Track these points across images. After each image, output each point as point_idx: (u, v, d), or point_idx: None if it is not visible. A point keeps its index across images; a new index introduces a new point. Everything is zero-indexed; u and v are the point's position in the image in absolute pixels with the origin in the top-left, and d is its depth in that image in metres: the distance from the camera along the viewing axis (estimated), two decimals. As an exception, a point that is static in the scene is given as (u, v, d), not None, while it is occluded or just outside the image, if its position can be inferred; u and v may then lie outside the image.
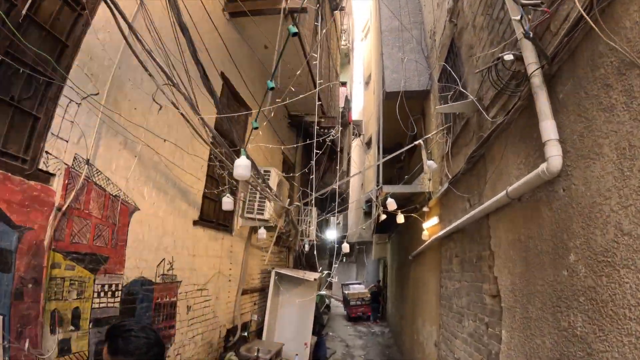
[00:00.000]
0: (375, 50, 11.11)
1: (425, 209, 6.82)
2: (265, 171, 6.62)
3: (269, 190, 6.02)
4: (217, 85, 5.96)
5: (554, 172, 2.39)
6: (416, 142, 5.21)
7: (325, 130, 9.33)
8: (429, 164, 5.45)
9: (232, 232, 6.50)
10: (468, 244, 4.63)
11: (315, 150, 9.57)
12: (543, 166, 2.47)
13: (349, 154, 14.44)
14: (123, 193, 3.88)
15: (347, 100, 13.82)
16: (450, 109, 4.24)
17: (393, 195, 6.69)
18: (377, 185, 7.23)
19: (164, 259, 4.58)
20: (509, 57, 2.82)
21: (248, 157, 3.73)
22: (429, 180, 6.76)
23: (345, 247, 6.44)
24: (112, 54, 3.54)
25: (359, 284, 19.49)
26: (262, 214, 6.42)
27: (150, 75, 3.23)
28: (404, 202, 7.20)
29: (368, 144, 15.91)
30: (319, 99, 8.98)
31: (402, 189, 6.86)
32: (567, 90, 2.46)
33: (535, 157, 2.84)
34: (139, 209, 4.12)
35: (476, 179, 4.40)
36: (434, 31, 6.78)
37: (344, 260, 23.17)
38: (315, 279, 7.48)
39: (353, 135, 15.17)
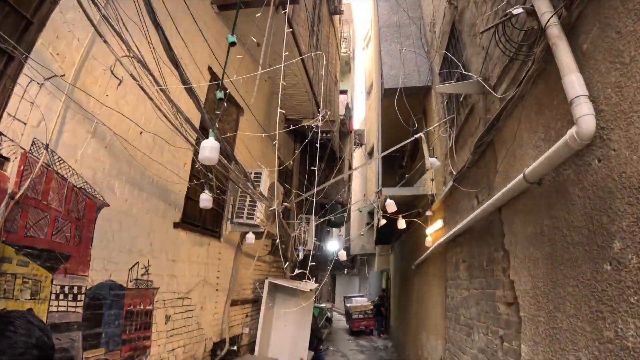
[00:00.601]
0: (375, 55, 10.76)
1: (428, 213, 6.26)
2: (256, 173, 6.12)
3: (258, 193, 5.50)
4: (205, 79, 5.52)
5: (586, 135, 1.87)
6: (417, 135, 4.70)
7: (324, 135, 8.85)
8: (432, 162, 4.93)
9: (221, 238, 5.96)
10: (477, 246, 4.07)
11: (309, 150, 9.11)
12: (571, 131, 1.94)
13: (350, 162, 13.97)
14: (89, 186, 3.42)
15: (348, 109, 13.41)
16: (454, 89, 3.74)
17: (393, 199, 6.16)
18: (377, 189, 6.69)
19: (137, 263, 4.07)
20: (518, 10, 2.34)
21: (218, 138, 3.36)
22: (432, 180, 6.23)
23: (343, 255, 5.89)
24: (81, 34, 3.15)
25: (362, 296, 18.81)
26: (252, 218, 5.89)
27: (105, 41, 2.77)
28: (406, 206, 6.67)
29: (370, 154, 15.48)
30: (317, 103, 8.55)
31: (403, 192, 6.32)
32: (593, 37, 1.96)
33: (558, 127, 2.32)
34: (108, 205, 3.63)
35: (484, 171, 3.87)
36: (433, 23, 6.35)
37: (345, 272, 22.46)
38: (311, 290, 6.89)
39: (355, 145, 14.70)
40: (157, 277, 4.39)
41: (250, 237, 5.33)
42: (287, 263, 8.07)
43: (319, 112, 8.49)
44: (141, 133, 4.12)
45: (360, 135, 15.73)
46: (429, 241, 6.31)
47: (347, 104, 12.74)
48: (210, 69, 5.62)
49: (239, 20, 4.24)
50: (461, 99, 4.43)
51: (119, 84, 3.66)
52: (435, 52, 5.92)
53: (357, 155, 17.04)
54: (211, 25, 5.75)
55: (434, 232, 6.16)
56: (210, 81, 5.72)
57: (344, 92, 13.67)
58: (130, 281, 3.94)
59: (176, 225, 4.80)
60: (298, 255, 6.44)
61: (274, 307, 7.45)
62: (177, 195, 4.84)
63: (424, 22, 7.04)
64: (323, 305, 12.35)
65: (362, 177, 17.34)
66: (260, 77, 7.48)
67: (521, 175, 2.55)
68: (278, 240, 6.38)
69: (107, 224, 3.61)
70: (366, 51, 16.85)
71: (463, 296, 4.47)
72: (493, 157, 3.58)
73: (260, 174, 6.13)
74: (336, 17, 11.33)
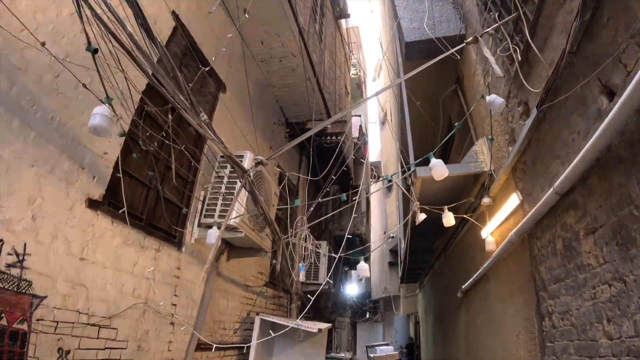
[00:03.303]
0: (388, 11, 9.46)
1: (485, 200, 4.31)
2: (237, 156, 4.40)
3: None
4: (165, 27, 4.09)
5: None
6: (468, 40, 2.97)
7: (333, 138, 7.19)
8: (491, 100, 3.15)
9: (182, 247, 4.08)
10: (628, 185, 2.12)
11: (314, 161, 7.37)
12: None
13: (367, 194, 12.15)
14: None
15: (363, 133, 11.90)
16: None
17: (432, 185, 4.29)
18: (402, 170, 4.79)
19: (2, 242, 2.30)
20: None
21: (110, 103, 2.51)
22: (488, 149, 4.33)
23: (365, 270, 3.92)
24: None
25: (387, 344, 16.68)
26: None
27: None
28: (448, 198, 4.70)
29: (389, 188, 13.79)
30: (323, 98, 7.03)
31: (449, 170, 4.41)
32: None
33: None
34: None
35: (610, 36, 2.09)
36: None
37: (367, 315, 19.63)
38: (320, 330, 4.75)
39: (372, 178, 13.01)
40: (43, 278, 2.58)
41: (213, 232, 3.42)
42: (291, 295, 6.00)
43: (326, 108, 6.95)
44: (43, 44, 2.57)
45: (377, 168, 14.21)
46: (491, 243, 4.27)
47: (360, 127, 11.30)
48: (175, 15, 4.20)
49: None
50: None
51: None
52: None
53: (375, 189, 15.38)
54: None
55: (499, 226, 4.16)
56: (174, 30, 4.27)
57: (357, 116, 12.33)
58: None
59: (93, 204, 3.03)
60: (299, 275, 4.44)
61: (273, 355, 5.26)
62: (98, 159, 3.13)
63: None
64: (342, 355, 9.87)
65: (380, 211, 15.51)
66: (250, 58, 6.07)
67: None
68: (276, 262, 4.46)
69: None
70: (377, 82, 15.92)
71: (599, 299, 2.39)
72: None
73: (242, 156, 4.41)
74: (345, 30, 10.29)
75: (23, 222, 2.49)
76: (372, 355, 15.16)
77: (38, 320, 2.51)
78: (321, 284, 6.79)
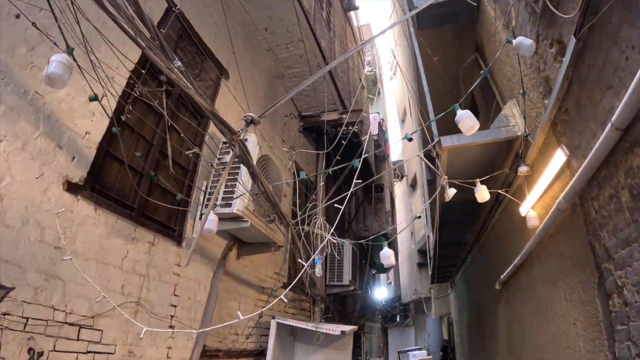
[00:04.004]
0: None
1: (522, 169, 3.76)
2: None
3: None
4: (157, 7, 3.85)
5: None
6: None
7: (350, 128, 6.75)
8: (518, 43, 2.69)
9: (182, 242, 3.71)
10: None
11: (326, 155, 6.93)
12: None
13: (392, 194, 11.63)
14: None
15: (382, 130, 11.44)
16: None
17: (460, 155, 3.81)
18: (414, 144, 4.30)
19: None
20: None
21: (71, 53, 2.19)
22: (519, 112, 3.79)
23: (388, 256, 3.43)
24: None
25: (419, 349, 15.92)
26: (230, 205, 3.67)
27: None
28: (479, 169, 4.15)
29: (413, 185, 13.23)
30: (335, 85, 6.66)
31: (475, 139, 3.88)
32: None
33: None
34: None
35: None
36: None
37: (398, 319, 18.75)
38: (344, 332, 4.24)
39: (395, 178, 12.50)
40: (10, 266, 2.27)
41: (213, 219, 3.00)
42: (308, 295, 5.50)
43: (340, 98, 6.57)
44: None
45: (400, 167, 13.66)
46: (533, 218, 3.70)
47: (379, 123, 10.84)
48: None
49: None
50: None
51: None
52: None
53: (399, 189, 14.82)
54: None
55: (541, 196, 3.61)
56: (165, 16, 4.00)
57: (375, 113, 11.91)
58: None
59: (72, 188, 2.71)
60: (315, 271, 3.97)
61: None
62: (78, 138, 2.83)
63: None
64: None
65: (406, 210, 14.89)
66: (257, 45, 5.78)
67: None
68: (285, 251, 4.03)
69: None
70: (394, 80, 15.49)
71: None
72: None
73: (246, 138, 4.04)
74: (355, 23, 9.96)
75: (-15, 202, 2.20)
76: None
77: (4, 314, 2.17)
78: (346, 285, 6.29)
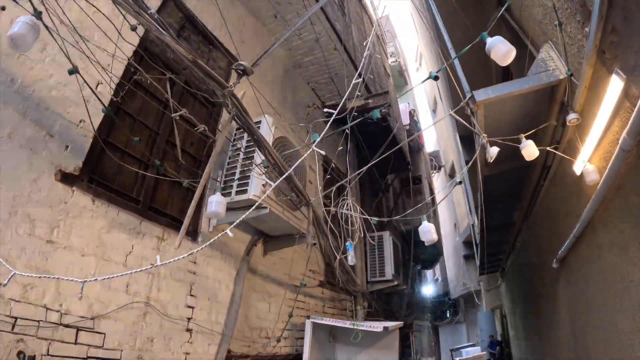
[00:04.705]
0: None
1: (571, 117, 3.18)
2: (256, 123, 3.78)
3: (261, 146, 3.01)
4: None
5: None
6: None
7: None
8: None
9: (198, 237, 3.43)
10: None
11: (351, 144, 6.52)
12: None
13: (430, 186, 11.04)
14: None
15: (414, 120, 10.93)
16: None
17: (498, 108, 3.32)
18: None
19: None
20: None
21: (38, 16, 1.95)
22: (557, 54, 3.23)
23: (428, 230, 3.00)
24: None
25: (473, 345, 15.35)
26: (245, 191, 3.37)
27: None
28: (521, 125, 3.58)
29: (452, 175, 12.61)
30: (355, 68, 6.28)
31: (512, 88, 3.34)
32: None
33: None
34: None
35: None
36: None
37: (447, 315, 17.82)
38: (387, 329, 3.77)
39: (433, 169, 11.93)
40: None
41: (219, 201, 2.63)
42: (345, 292, 5.05)
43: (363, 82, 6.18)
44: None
45: (436, 157, 13.01)
46: (592, 172, 3.11)
47: (410, 113, 10.33)
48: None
49: None
50: None
51: None
52: None
53: (438, 181, 14.17)
54: None
55: (598, 145, 3.03)
56: (163, 5, 3.83)
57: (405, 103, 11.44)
58: None
59: (66, 178, 2.50)
60: (347, 259, 3.56)
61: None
62: (72, 127, 2.64)
63: None
64: None
65: (447, 201, 14.17)
66: (269, 34, 5.53)
67: None
68: (313, 240, 3.65)
69: None
70: (421, 71, 14.90)
71: None
72: None
73: (259, 122, 3.76)
74: (372, 11, 9.59)
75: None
76: (457, 359, 14.30)
77: None
78: (389, 280, 5.82)
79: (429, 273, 17.93)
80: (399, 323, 4.24)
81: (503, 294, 12.95)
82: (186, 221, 2.30)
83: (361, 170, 3.50)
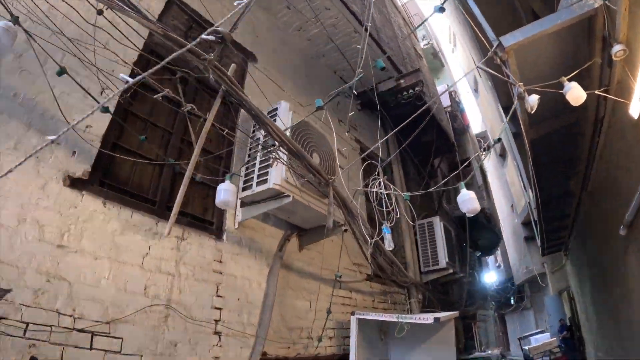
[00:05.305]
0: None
1: (616, 49, 2.69)
2: (273, 110, 3.67)
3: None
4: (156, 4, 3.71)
5: None
6: None
7: (411, 91, 5.98)
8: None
9: (223, 234, 3.32)
10: None
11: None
12: None
13: (480, 166, 10.38)
14: None
15: (455, 101, 10.40)
16: None
17: (530, 54, 2.91)
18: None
19: None
20: None
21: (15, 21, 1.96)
22: None
23: (468, 199, 2.67)
24: None
25: (542, 332, 14.45)
26: (265, 181, 3.22)
27: None
28: (560, 69, 3.09)
29: (502, 155, 11.78)
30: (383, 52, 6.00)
31: (542, 26, 2.88)
32: None
33: None
34: None
35: None
36: None
37: (512, 301, 16.63)
38: (438, 320, 3.39)
39: (483, 151, 11.25)
40: (6, 267, 2.11)
41: (227, 189, 2.45)
42: (394, 283, 4.71)
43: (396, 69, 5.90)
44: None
45: (484, 138, 12.26)
46: None
47: (450, 94, 9.81)
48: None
49: None
50: None
51: None
52: None
53: (489, 163, 13.39)
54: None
55: None
56: (163, 12, 3.82)
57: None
58: None
59: (75, 183, 2.49)
60: (388, 245, 3.28)
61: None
62: (78, 132, 2.62)
63: None
64: (488, 352, 7.94)
65: (500, 182, 13.31)
66: (284, 27, 5.41)
67: None
68: (346, 228, 3.43)
69: None
70: (456, 52, 14.14)
71: None
72: None
73: (276, 110, 3.61)
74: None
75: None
76: (526, 347, 13.58)
77: (0, 318, 1.92)
78: (443, 269, 5.42)
79: (490, 260, 17.01)
80: (453, 313, 3.84)
81: (569, 274, 12.35)
82: (176, 207, 2.18)
83: (399, 149, 3.23)
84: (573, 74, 2.80)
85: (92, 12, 2.67)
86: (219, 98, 2.35)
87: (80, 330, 2.19)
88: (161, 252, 2.78)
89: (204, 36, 2.00)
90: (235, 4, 2.16)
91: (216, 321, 2.95)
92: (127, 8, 1.93)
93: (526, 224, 12.36)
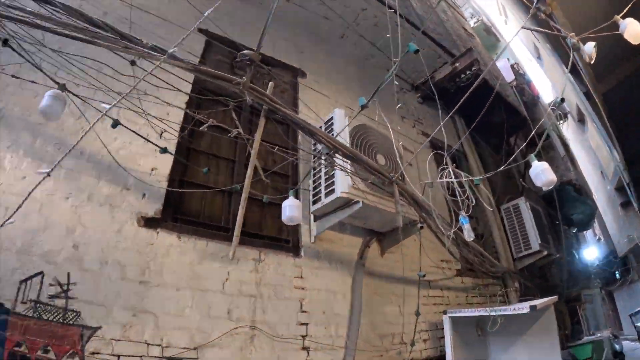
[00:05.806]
0: None
1: None
2: (327, 120, 3.58)
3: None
4: (195, 41, 3.85)
5: None
6: None
7: (468, 72, 5.52)
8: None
9: (301, 251, 3.24)
10: None
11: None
12: None
13: (560, 136, 9.32)
14: None
15: (520, 74, 9.55)
16: None
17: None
18: None
19: (42, 273, 2.08)
20: None
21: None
22: None
23: (542, 170, 2.30)
24: None
25: None
26: (333, 191, 3.10)
27: None
28: (609, 10, 2.55)
29: (581, 120, 10.40)
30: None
31: None
32: None
33: None
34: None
35: None
36: None
37: (617, 275, 14.22)
38: (534, 307, 2.91)
39: (559, 119, 10.09)
40: (94, 307, 2.20)
41: (292, 205, 2.34)
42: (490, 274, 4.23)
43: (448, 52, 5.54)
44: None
45: (559, 106, 11.01)
46: None
47: (512, 67, 8.98)
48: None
49: None
50: None
51: None
52: None
53: (568, 132, 11.87)
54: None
55: None
56: (205, 50, 3.95)
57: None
58: (24, 301, 2.01)
59: (149, 223, 2.58)
60: (469, 235, 2.95)
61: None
62: (145, 176, 2.75)
63: None
64: (598, 335, 6.70)
65: (585, 150, 11.69)
66: (327, 37, 5.30)
67: None
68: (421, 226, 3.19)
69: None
70: (510, 23, 12.95)
71: None
72: None
73: (332, 119, 3.51)
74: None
75: (64, 252, 2.24)
76: (639, 324, 11.53)
77: (93, 353, 2.05)
78: (537, 252, 4.83)
79: (588, 234, 15.11)
80: (552, 298, 3.31)
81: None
82: (237, 229, 2.12)
83: (466, 133, 2.93)
84: (625, 10, 2.31)
85: (147, 64, 2.78)
86: (263, 117, 2.28)
87: (169, 358, 2.21)
88: (240, 276, 2.76)
89: (237, 60, 1.94)
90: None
91: (303, 337, 2.84)
92: (155, 53, 1.94)
93: (619, 189, 10.82)
